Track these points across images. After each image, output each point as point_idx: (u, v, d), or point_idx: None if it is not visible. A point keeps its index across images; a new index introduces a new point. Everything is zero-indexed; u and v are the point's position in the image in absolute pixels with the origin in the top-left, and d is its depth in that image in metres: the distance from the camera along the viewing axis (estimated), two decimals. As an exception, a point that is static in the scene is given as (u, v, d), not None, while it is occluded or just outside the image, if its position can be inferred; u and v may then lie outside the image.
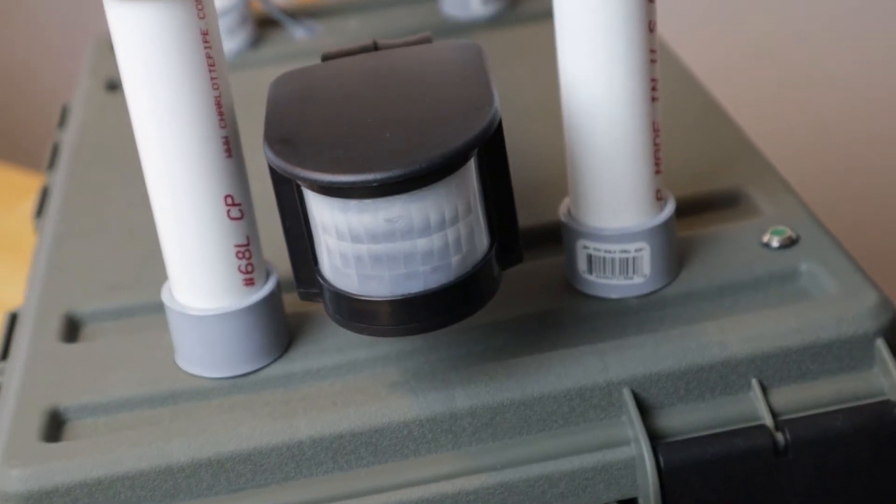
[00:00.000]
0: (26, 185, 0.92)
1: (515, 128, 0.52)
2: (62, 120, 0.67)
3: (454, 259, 0.37)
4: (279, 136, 0.37)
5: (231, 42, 0.66)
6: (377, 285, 0.37)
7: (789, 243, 0.45)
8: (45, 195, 0.60)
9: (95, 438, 0.41)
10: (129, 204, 0.54)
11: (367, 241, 0.36)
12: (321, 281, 0.38)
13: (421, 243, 0.36)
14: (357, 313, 0.37)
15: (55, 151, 0.64)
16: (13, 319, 0.50)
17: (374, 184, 0.35)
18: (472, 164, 0.37)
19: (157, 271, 0.45)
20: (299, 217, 0.38)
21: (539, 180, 0.51)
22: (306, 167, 0.35)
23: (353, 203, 0.36)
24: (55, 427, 0.42)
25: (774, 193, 0.48)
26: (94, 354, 0.45)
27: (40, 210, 0.59)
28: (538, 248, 0.47)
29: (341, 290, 0.37)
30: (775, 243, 0.45)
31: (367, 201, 0.35)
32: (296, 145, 0.36)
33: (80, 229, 0.53)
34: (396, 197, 0.35)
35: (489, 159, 0.38)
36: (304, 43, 0.68)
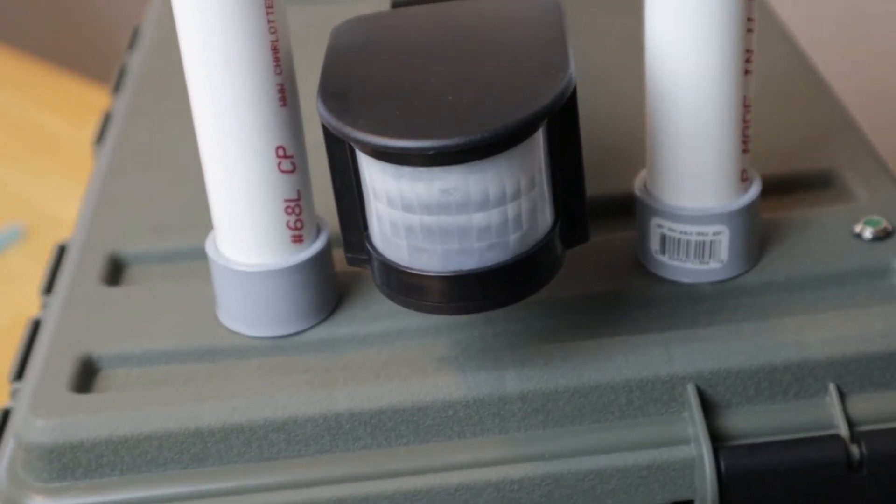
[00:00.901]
0: (101, 102, 0.90)
1: (595, 83, 0.49)
2: (132, 42, 0.65)
3: (513, 237, 0.34)
4: (334, 91, 0.34)
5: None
6: (428, 259, 0.34)
7: (884, 235, 0.42)
8: (106, 120, 0.58)
9: (125, 393, 0.39)
10: (186, 139, 0.51)
11: (419, 212, 0.33)
12: (370, 248, 0.36)
13: (478, 218, 0.33)
14: (405, 286, 0.35)
15: (122, 74, 0.62)
16: (61, 252, 0.48)
17: (430, 152, 0.32)
18: (539, 136, 0.34)
19: (207, 215, 0.42)
20: (351, 178, 0.35)
21: (619, 144, 0.47)
22: (359, 127, 0.32)
23: (406, 170, 0.33)
24: (87, 376, 0.40)
25: (872, 178, 0.44)
26: (134, 301, 0.43)
27: (101, 136, 0.57)
28: (611, 220, 0.44)
29: (391, 260, 0.35)
30: (868, 234, 0.42)
31: (423, 169, 0.33)
32: (351, 102, 0.33)
33: (135, 163, 0.51)
34: (454, 167, 0.32)
35: (560, 130, 0.35)
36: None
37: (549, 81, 0.33)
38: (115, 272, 0.45)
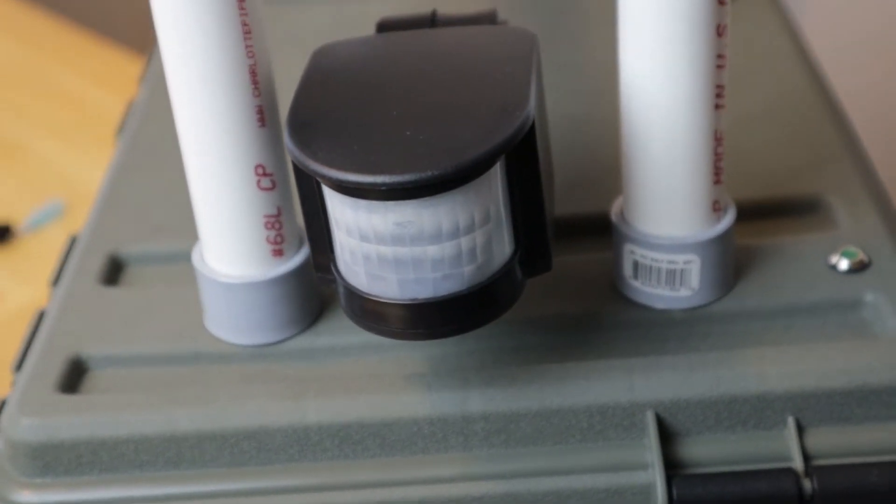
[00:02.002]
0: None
1: (593, 101, 0.50)
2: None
3: (467, 268, 0.35)
4: (301, 121, 0.35)
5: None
6: (385, 286, 0.35)
7: (859, 267, 0.42)
8: (129, 111, 0.59)
9: (108, 396, 0.41)
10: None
11: (375, 242, 0.34)
12: (335, 272, 0.37)
13: (432, 250, 0.34)
14: (366, 311, 0.36)
15: (148, 63, 0.63)
16: (73, 244, 0.50)
17: (383, 187, 0.33)
18: (495, 171, 0.35)
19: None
20: (318, 204, 0.36)
21: (608, 163, 0.48)
22: (319, 160, 0.34)
23: (362, 203, 0.34)
24: (76, 376, 0.42)
25: (857, 206, 0.45)
26: (129, 302, 0.44)
27: (122, 127, 0.58)
28: (598, 239, 0.44)
29: (352, 285, 0.36)
30: (844, 266, 0.42)
31: (377, 203, 0.34)
32: (315, 133, 0.35)
33: (146, 161, 0.53)
34: (408, 201, 0.33)
35: (518, 164, 0.35)
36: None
37: (505, 120, 0.34)
38: (113, 272, 0.46)
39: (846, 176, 0.46)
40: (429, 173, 0.33)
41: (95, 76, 0.99)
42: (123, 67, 0.98)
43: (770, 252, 0.43)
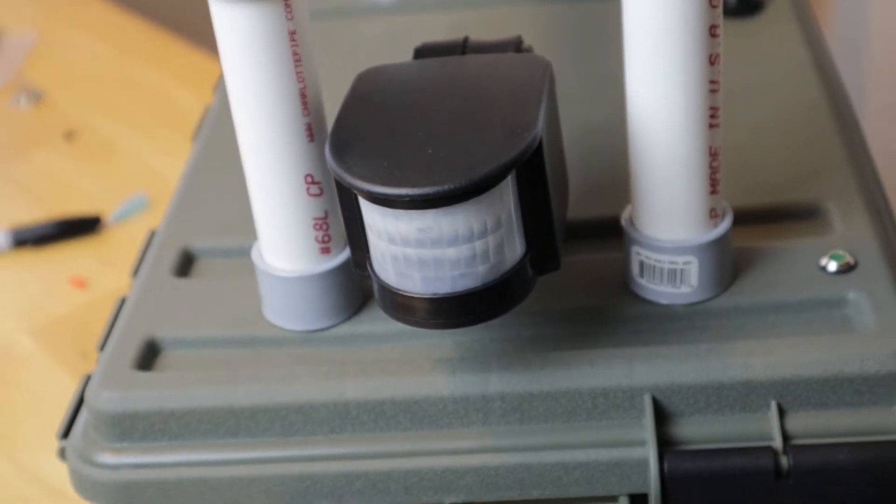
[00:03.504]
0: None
1: (609, 114, 0.54)
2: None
3: (481, 268, 0.40)
4: (340, 139, 0.41)
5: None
6: (410, 283, 0.41)
7: (846, 269, 0.46)
8: (204, 118, 0.66)
9: (177, 373, 0.47)
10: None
11: (401, 245, 0.40)
12: (370, 269, 0.42)
13: (450, 252, 0.40)
14: (395, 304, 0.42)
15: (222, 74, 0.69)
16: (151, 238, 0.56)
17: (407, 199, 0.38)
18: (506, 184, 0.40)
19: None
20: (355, 210, 0.42)
21: (623, 172, 0.53)
22: (354, 174, 0.39)
23: (390, 211, 0.39)
24: (150, 355, 0.48)
25: (851, 213, 0.49)
26: (197, 292, 0.50)
27: (197, 132, 0.65)
28: (608, 242, 0.49)
29: (383, 281, 0.42)
30: (832, 267, 0.46)
31: (402, 211, 0.39)
32: (352, 151, 0.40)
33: (215, 165, 0.59)
34: (429, 210, 0.39)
35: (528, 177, 0.41)
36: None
37: (514, 141, 0.39)
38: (185, 265, 0.53)
39: (846, 184, 0.51)
40: (446, 187, 0.38)
41: (180, 77, 1.06)
42: (206, 69, 1.05)
43: (767, 254, 0.48)
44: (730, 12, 0.64)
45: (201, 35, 1.17)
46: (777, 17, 0.63)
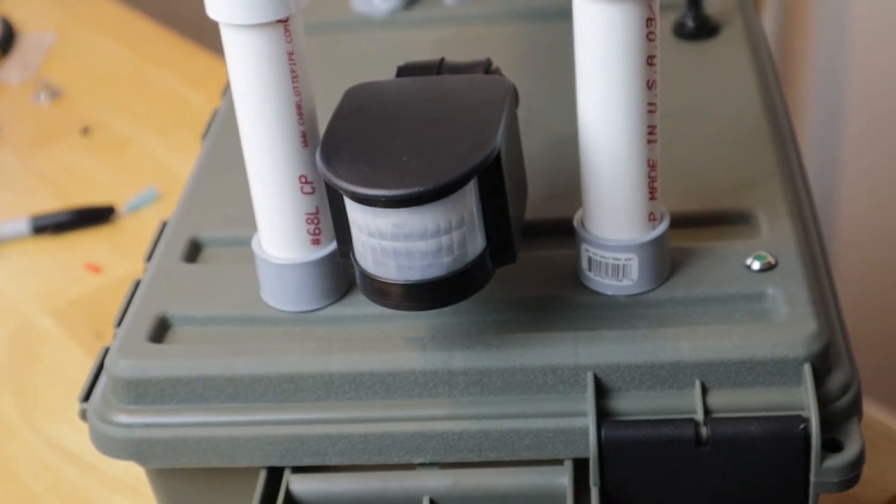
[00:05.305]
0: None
1: (575, 125, 0.61)
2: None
3: (446, 259, 0.47)
4: (329, 146, 0.48)
5: (386, 3, 0.77)
6: (386, 271, 0.48)
7: (768, 268, 0.53)
8: (212, 119, 0.73)
9: (185, 346, 0.54)
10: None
11: (378, 238, 0.47)
12: (352, 258, 0.49)
13: (420, 245, 0.47)
14: (373, 289, 0.49)
15: (232, 80, 0.76)
16: (163, 228, 0.63)
17: (384, 199, 0.45)
18: (469, 188, 0.47)
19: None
20: (341, 206, 0.49)
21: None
22: (339, 177, 0.46)
23: (370, 209, 0.46)
24: (162, 330, 0.55)
25: (777, 220, 0.56)
26: (204, 276, 0.57)
27: (206, 132, 0.72)
28: (563, 240, 0.56)
29: (363, 268, 0.49)
30: (756, 266, 0.53)
31: (380, 209, 0.46)
32: (339, 157, 0.47)
33: (222, 164, 0.66)
34: (402, 209, 0.46)
35: (489, 182, 0.48)
36: (453, 8, 0.78)
37: (476, 152, 0.46)
38: (193, 252, 0.60)
39: (775, 194, 0.58)
40: (417, 189, 0.45)
41: (192, 79, 1.13)
42: (216, 72, 1.12)
43: (701, 253, 0.55)
44: (688, 35, 0.71)
45: (212, 39, 1.23)
46: (730, 42, 0.70)
